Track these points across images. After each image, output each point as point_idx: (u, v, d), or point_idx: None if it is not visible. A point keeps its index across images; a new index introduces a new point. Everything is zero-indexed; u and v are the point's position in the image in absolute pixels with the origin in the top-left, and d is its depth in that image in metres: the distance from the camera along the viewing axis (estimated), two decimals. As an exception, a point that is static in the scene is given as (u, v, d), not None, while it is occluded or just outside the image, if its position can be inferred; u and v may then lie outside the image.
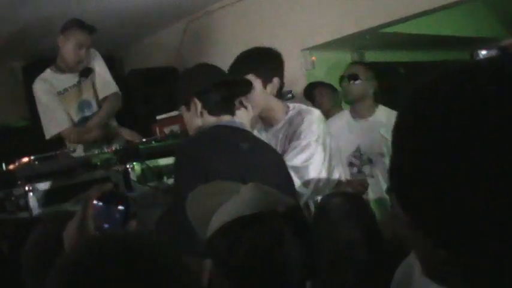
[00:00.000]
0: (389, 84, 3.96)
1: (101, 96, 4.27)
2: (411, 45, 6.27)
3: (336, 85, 4.94)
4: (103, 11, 4.48)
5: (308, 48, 5.12)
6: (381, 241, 2.05)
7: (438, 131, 0.76)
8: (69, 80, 4.23)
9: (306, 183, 2.81)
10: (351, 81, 3.86)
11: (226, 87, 2.58)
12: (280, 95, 3.04)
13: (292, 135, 2.89)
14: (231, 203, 1.55)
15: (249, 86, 2.68)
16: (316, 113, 2.98)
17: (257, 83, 2.86)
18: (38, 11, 4.90)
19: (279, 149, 2.93)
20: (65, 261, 1.07)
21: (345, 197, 2.24)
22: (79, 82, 4.24)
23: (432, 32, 5.76)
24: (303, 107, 3.05)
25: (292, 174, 2.72)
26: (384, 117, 3.76)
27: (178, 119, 3.83)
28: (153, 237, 1.17)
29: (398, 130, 0.85)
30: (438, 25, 5.67)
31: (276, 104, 2.99)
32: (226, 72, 2.75)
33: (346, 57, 5.67)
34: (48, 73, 4.24)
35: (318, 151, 2.86)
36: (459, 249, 0.77)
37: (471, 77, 0.78)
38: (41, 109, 4.21)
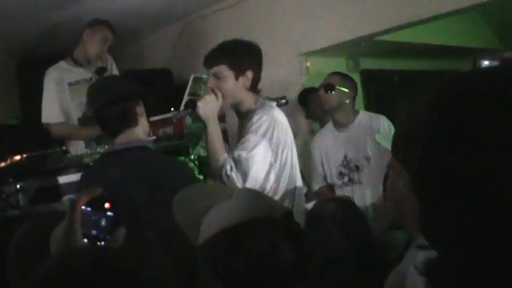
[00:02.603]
0: (384, 91, 3.98)
1: None
2: (406, 53, 6.28)
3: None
4: (98, 13, 4.48)
5: (303, 54, 5.12)
6: (373, 246, 2.05)
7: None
8: (82, 74, 4.34)
9: (244, 178, 2.76)
10: (328, 92, 3.92)
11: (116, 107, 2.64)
12: (255, 89, 3.01)
13: (246, 129, 2.87)
14: (223, 208, 1.54)
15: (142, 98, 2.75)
16: (272, 112, 2.91)
17: (229, 74, 2.89)
18: (34, 11, 4.88)
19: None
20: (37, 277, 1.06)
21: (338, 203, 2.24)
22: (91, 78, 4.33)
23: (427, 40, 5.78)
24: (266, 103, 2.99)
25: (235, 168, 2.74)
26: (365, 120, 3.88)
27: (172, 121, 3.82)
28: (132, 253, 1.15)
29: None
30: (433, 34, 5.69)
31: (246, 97, 2.96)
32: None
33: (341, 63, 5.67)
34: (62, 64, 4.36)
35: (261, 145, 2.80)
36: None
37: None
38: (46, 95, 4.29)
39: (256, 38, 5.20)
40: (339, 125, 4.01)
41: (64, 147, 3.88)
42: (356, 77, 4.19)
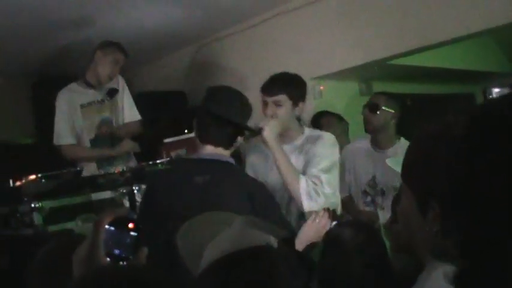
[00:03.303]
0: (397, 115, 3.94)
1: (127, 120, 4.48)
2: (418, 77, 6.28)
3: (343, 115, 4.96)
4: (114, 34, 4.53)
5: (316, 78, 5.13)
6: (391, 271, 2.04)
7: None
8: (93, 95, 4.38)
9: (318, 191, 2.99)
10: (372, 111, 3.84)
11: (216, 119, 2.74)
12: (299, 118, 3.32)
13: (311, 154, 3.13)
14: (222, 237, 1.54)
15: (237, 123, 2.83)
16: (331, 135, 3.29)
17: (288, 104, 3.15)
18: (48, 32, 4.95)
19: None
20: None
21: (357, 227, 2.22)
22: (103, 100, 4.39)
23: (440, 64, 5.78)
24: (317, 131, 3.38)
25: (311, 181, 2.98)
26: (404, 150, 3.71)
27: (185, 143, 3.84)
28: (160, 270, 1.15)
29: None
30: (446, 58, 5.69)
31: (295, 125, 3.26)
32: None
33: (354, 87, 5.69)
34: (74, 86, 4.41)
35: (335, 169, 3.14)
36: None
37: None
38: (58, 117, 4.33)
39: (270, 62, 5.27)
40: (377, 145, 3.91)
41: (78, 168, 3.91)
42: (368, 101, 4.17)
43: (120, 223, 1.36)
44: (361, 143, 4.06)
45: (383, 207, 3.75)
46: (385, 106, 3.81)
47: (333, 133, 4.76)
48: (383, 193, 3.78)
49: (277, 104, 3.13)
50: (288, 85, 3.18)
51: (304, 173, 3.06)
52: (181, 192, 2.64)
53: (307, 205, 2.93)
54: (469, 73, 6.51)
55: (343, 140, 4.73)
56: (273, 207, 2.76)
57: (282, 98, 3.13)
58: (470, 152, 0.80)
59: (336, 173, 3.14)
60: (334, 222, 2.62)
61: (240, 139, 2.82)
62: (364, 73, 5.40)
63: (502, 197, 0.76)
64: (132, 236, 1.36)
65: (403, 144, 3.81)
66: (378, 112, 3.80)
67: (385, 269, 2.02)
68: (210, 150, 2.75)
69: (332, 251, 2.11)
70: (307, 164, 3.10)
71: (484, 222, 0.78)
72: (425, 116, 0.89)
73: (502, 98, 0.93)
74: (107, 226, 1.35)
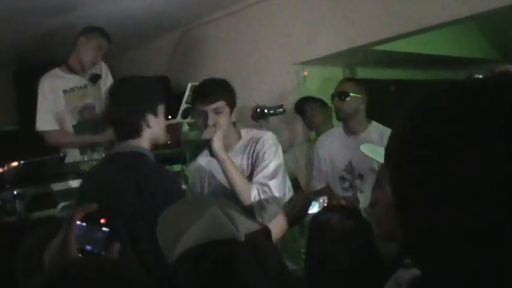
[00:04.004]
0: (380, 101, 3.97)
1: None
2: (402, 63, 6.30)
3: (327, 100, 4.96)
4: (97, 20, 4.50)
5: (300, 63, 5.13)
6: (380, 256, 2.05)
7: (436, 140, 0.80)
8: (77, 81, 4.35)
9: (268, 199, 3.01)
10: (342, 99, 3.88)
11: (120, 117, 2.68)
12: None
13: (254, 157, 3.12)
14: (194, 227, 1.53)
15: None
16: (271, 135, 3.22)
17: (227, 110, 3.10)
18: (31, 18, 4.90)
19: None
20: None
21: (344, 213, 2.22)
22: (85, 85, 4.36)
23: (424, 51, 5.80)
24: (255, 131, 3.34)
25: (260, 189, 3.00)
26: (377, 134, 3.80)
27: (168, 129, 3.82)
28: (132, 264, 1.14)
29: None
30: (430, 44, 5.71)
31: (232, 131, 3.20)
32: None
33: (337, 72, 5.69)
34: (57, 71, 4.38)
35: (281, 171, 3.10)
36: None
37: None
38: (41, 102, 4.30)
39: (254, 47, 5.26)
40: (350, 131, 3.95)
41: (62, 154, 3.89)
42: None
43: (92, 219, 1.35)
44: (334, 131, 4.13)
45: (362, 191, 3.78)
46: (354, 92, 3.88)
47: (317, 119, 4.81)
48: (361, 177, 3.83)
49: (217, 112, 3.05)
50: (223, 91, 3.11)
51: (251, 176, 3.07)
52: (90, 191, 2.62)
53: (258, 214, 2.96)
54: (452, 59, 6.54)
55: (327, 125, 4.74)
56: (169, 200, 2.34)
57: (222, 104, 3.06)
58: (460, 137, 0.78)
59: (282, 174, 3.11)
60: (314, 204, 2.60)
61: (156, 120, 2.67)
62: (348, 59, 5.41)
63: (497, 184, 0.74)
64: (104, 231, 1.35)
65: (375, 127, 3.90)
66: (348, 99, 3.85)
67: (373, 256, 2.03)
68: (124, 143, 2.67)
69: (319, 237, 2.11)
70: (253, 168, 3.10)
71: (477, 211, 0.76)
72: (409, 102, 0.87)
73: (487, 80, 0.91)
74: (78, 222, 1.33)
